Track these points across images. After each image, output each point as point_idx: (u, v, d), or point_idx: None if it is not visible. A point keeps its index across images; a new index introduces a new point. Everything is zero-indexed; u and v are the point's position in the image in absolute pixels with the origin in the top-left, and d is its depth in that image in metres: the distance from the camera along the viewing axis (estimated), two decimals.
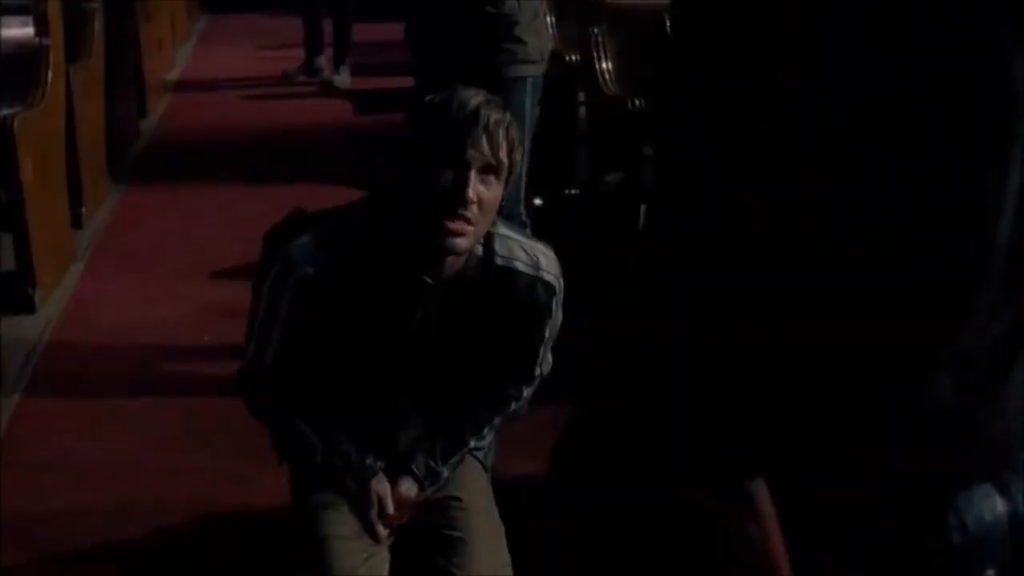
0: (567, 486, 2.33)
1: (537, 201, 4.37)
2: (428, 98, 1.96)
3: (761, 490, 1.19)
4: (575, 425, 1.71)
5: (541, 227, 3.43)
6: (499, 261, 2.03)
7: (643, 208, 3.85)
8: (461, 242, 1.91)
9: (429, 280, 1.98)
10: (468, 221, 1.89)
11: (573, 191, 4.65)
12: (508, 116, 1.95)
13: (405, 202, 1.96)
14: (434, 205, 1.89)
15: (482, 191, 1.90)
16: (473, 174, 1.89)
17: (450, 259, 1.96)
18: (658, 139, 1.36)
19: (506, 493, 2.29)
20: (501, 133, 1.91)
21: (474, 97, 1.93)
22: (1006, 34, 1.05)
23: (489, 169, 1.91)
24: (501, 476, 2.47)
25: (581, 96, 4.59)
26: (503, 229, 2.06)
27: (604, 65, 4.33)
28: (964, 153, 1.07)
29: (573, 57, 4.51)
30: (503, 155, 1.92)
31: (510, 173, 1.96)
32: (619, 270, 3.68)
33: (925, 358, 1.12)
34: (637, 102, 3.96)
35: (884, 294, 1.10)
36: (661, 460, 1.27)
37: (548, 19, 4.68)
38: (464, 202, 1.87)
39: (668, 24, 4.03)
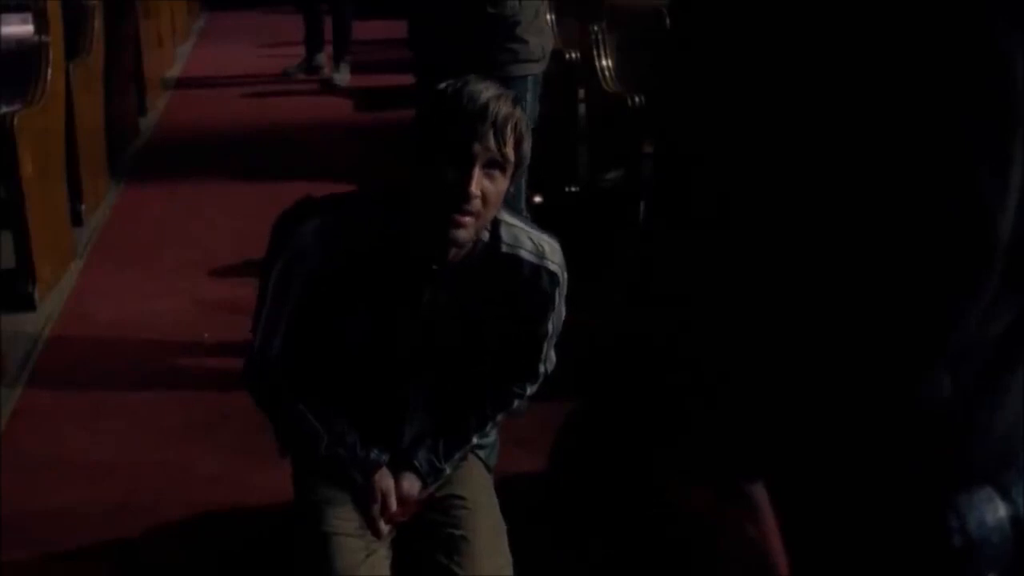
0: (566, 485, 2.33)
1: (537, 199, 4.37)
2: (440, 87, 1.95)
3: (760, 490, 1.18)
4: (575, 424, 1.70)
5: (540, 225, 3.43)
6: (504, 248, 2.04)
7: (643, 205, 3.85)
8: (462, 233, 1.91)
9: (435, 267, 1.98)
10: (470, 214, 1.89)
11: (573, 188, 4.65)
12: (518, 111, 1.94)
13: (410, 190, 1.96)
14: (438, 198, 1.89)
15: (487, 186, 1.90)
16: (477, 169, 1.88)
17: (454, 248, 1.96)
18: (658, 138, 1.36)
19: (507, 491, 2.29)
20: (509, 128, 1.90)
21: (485, 90, 1.92)
22: (1005, 33, 1.05)
23: (495, 164, 1.91)
24: (502, 474, 2.47)
25: (581, 93, 4.59)
26: (509, 217, 2.06)
27: (604, 62, 4.33)
28: (965, 151, 1.07)
29: (573, 54, 4.51)
30: (509, 150, 1.91)
31: (517, 167, 1.96)
32: (619, 267, 3.67)
33: (925, 357, 1.12)
34: (637, 99, 3.96)
35: (884, 293, 1.10)
36: (660, 460, 1.27)
37: (549, 17, 4.69)
38: (467, 197, 1.88)
39: (668, 22, 4.03)
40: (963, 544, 1.14)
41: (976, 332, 1.11)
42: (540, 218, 3.61)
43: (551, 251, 2.07)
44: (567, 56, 4.49)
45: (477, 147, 1.88)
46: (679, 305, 1.20)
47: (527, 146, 1.96)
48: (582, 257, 3.85)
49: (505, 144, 1.90)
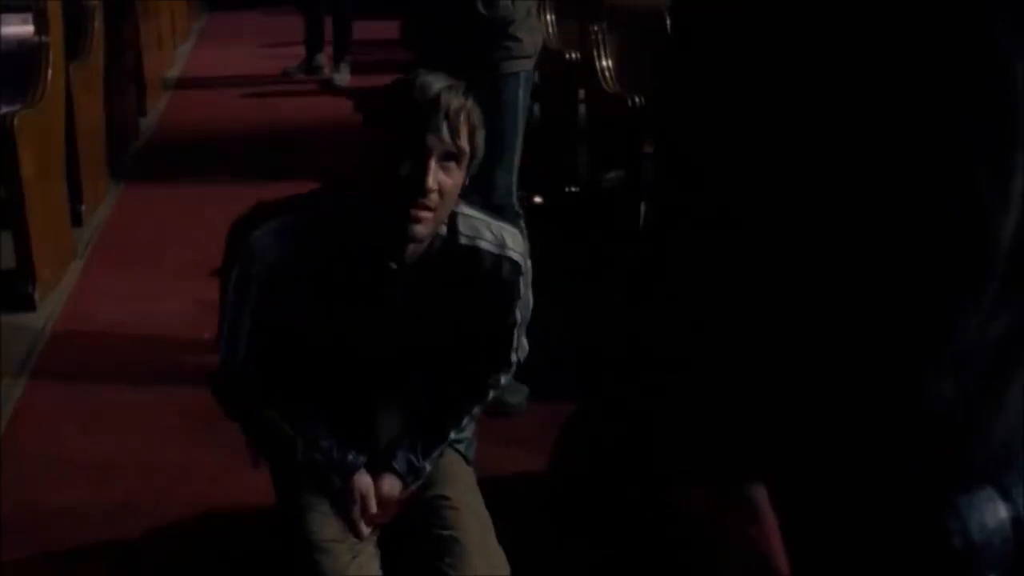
0: (567, 485, 2.33)
1: (537, 199, 4.37)
2: (389, 84, 1.95)
3: (761, 491, 1.18)
4: (576, 424, 1.71)
5: (541, 226, 3.43)
6: (463, 240, 2.02)
7: (643, 206, 3.85)
8: (420, 229, 1.90)
9: (394, 265, 1.96)
10: (428, 209, 1.88)
11: (573, 189, 4.65)
12: (469, 102, 1.93)
13: (365, 189, 1.95)
14: (394, 193, 1.88)
15: (443, 179, 1.89)
16: (433, 162, 1.87)
17: (412, 244, 1.95)
18: (658, 138, 1.36)
19: (508, 490, 2.29)
20: (462, 119, 1.89)
21: (435, 83, 1.90)
22: (1006, 36, 1.05)
23: (450, 156, 1.89)
24: (502, 474, 2.47)
25: (581, 94, 4.59)
26: (467, 209, 2.04)
27: (604, 63, 4.33)
28: (966, 154, 1.07)
29: (573, 55, 4.51)
30: (463, 142, 1.90)
31: (472, 158, 1.94)
32: (619, 268, 3.67)
33: (925, 359, 1.12)
34: (637, 100, 3.96)
35: (884, 295, 1.10)
36: (660, 460, 1.27)
37: (548, 17, 4.69)
38: (424, 191, 1.86)
39: (668, 23, 4.03)
40: (964, 545, 1.14)
41: (977, 334, 1.11)
42: (540, 218, 3.61)
43: (512, 240, 2.06)
44: (567, 56, 4.49)
45: (432, 139, 1.87)
46: (680, 305, 1.20)
47: (480, 136, 1.95)
48: (582, 257, 3.86)
49: (459, 136, 1.89)
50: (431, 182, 1.86)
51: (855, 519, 1.16)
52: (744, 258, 1.14)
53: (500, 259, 2.04)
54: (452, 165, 1.90)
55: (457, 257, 2.01)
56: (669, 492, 1.25)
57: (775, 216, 1.13)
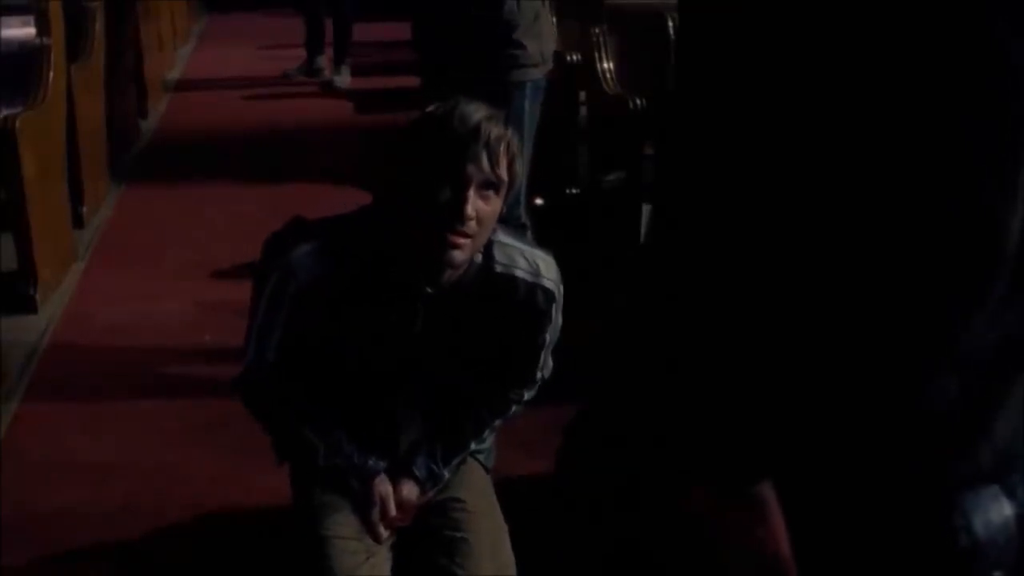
0: (572, 487, 2.33)
1: (538, 201, 4.37)
2: (428, 110, 1.95)
3: (768, 492, 1.18)
4: (579, 427, 1.70)
5: (542, 227, 3.43)
6: (499, 268, 2.03)
7: (644, 208, 3.85)
8: (458, 255, 1.91)
9: (429, 290, 1.98)
10: (466, 236, 1.89)
11: (574, 191, 4.65)
12: (508, 131, 1.94)
13: (403, 213, 1.96)
14: (432, 220, 1.89)
15: (481, 207, 1.89)
16: (472, 191, 1.88)
17: (449, 270, 1.96)
18: (659, 140, 1.36)
19: (509, 493, 2.29)
20: (501, 149, 1.90)
21: (475, 112, 1.91)
22: (1006, 35, 1.04)
23: (488, 185, 1.90)
24: (504, 476, 2.47)
25: (582, 96, 4.59)
26: (503, 236, 2.06)
27: (605, 65, 4.33)
28: (970, 154, 1.07)
29: (574, 57, 4.52)
30: (502, 171, 1.91)
31: (510, 187, 1.96)
32: (619, 268, 3.68)
33: (929, 359, 1.12)
34: (638, 101, 3.96)
35: (889, 295, 1.10)
36: (663, 461, 1.27)
37: (551, 19, 4.68)
38: (462, 219, 1.87)
39: (671, 27, 4.03)
40: (969, 544, 1.14)
41: (981, 334, 1.11)
42: (540, 220, 3.62)
43: (546, 267, 2.07)
44: (568, 58, 4.49)
45: (471, 168, 1.87)
46: (681, 305, 1.20)
47: (520, 163, 1.96)
48: (582, 259, 3.86)
49: (498, 165, 1.90)
50: (470, 210, 1.87)
51: (860, 518, 1.16)
52: (746, 258, 1.14)
53: (535, 287, 2.05)
54: (491, 194, 1.91)
55: (492, 284, 2.03)
56: (675, 494, 1.25)
57: (778, 217, 1.13)
